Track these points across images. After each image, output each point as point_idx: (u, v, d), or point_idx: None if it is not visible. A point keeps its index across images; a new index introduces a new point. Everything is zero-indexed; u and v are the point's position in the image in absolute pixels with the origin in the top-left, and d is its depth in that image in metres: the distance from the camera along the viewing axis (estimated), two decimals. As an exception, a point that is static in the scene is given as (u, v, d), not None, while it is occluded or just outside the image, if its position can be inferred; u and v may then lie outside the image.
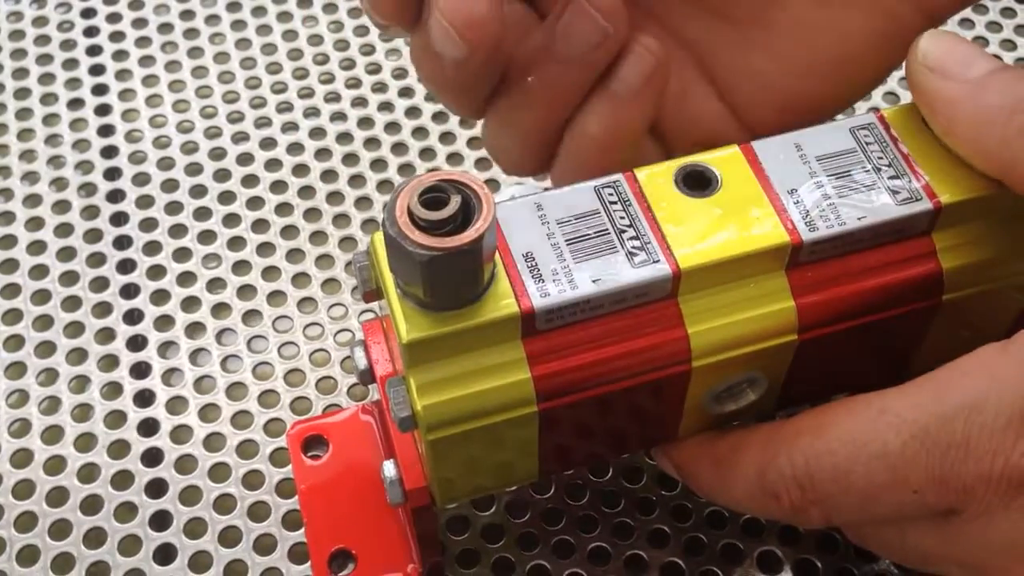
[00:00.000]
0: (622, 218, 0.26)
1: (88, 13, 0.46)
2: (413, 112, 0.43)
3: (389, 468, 0.28)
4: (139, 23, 0.45)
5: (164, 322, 0.37)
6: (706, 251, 0.25)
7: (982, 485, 0.23)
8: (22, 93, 0.43)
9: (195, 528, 0.33)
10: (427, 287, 0.23)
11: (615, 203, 0.26)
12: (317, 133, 0.42)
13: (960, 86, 0.25)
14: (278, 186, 0.41)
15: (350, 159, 0.41)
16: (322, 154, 0.42)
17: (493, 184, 0.40)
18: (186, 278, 0.38)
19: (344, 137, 0.42)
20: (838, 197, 0.26)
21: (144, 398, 0.36)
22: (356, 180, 0.41)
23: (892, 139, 0.27)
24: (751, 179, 0.26)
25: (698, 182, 0.26)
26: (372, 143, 0.42)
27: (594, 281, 0.25)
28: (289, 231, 0.40)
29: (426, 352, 0.24)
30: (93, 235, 0.39)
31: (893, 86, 0.43)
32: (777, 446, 0.25)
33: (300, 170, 0.41)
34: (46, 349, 0.37)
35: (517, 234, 0.25)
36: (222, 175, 0.41)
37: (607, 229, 0.25)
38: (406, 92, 0.43)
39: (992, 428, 0.22)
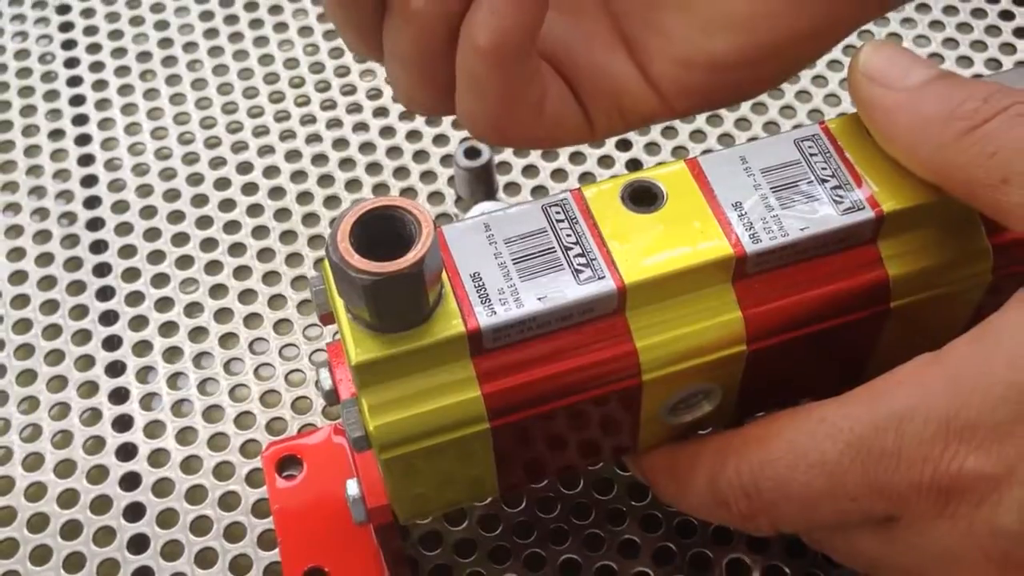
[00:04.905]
0: (568, 236, 0.26)
1: (68, 45, 0.46)
2: (387, 132, 0.43)
3: (352, 487, 0.28)
4: (118, 52, 0.46)
5: (142, 347, 0.38)
6: (651, 266, 0.26)
7: (914, 493, 0.23)
8: (4, 126, 0.44)
9: (172, 550, 0.34)
10: (372, 310, 0.24)
11: (562, 221, 0.26)
12: (293, 155, 0.43)
13: (898, 94, 0.25)
14: (254, 209, 0.41)
15: (325, 180, 0.42)
16: (298, 176, 0.42)
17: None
18: (164, 303, 0.39)
19: (319, 158, 0.43)
20: (781, 208, 0.26)
21: (123, 423, 0.36)
22: (331, 201, 0.42)
23: (837, 149, 0.27)
24: (696, 193, 0.27)
25: (644, 198, 0.27)
26: (347, 163, 0.43)
27: (540, 299, 0.25)
28: (265, 254, 0.40)
29: (376, 373, 0.25)
30: (73, 264, 0.40)
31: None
32: (726, 456, 0.26)
33: (276, 192, 0.42)
34: (27, 378, 0.37)
35: (465, 255, 0.26)
36: (199, 200, 0.42)
37: (553, 247, 0.26)
38: (380, 112, 0.44)
39: (921, 437, 0.23)
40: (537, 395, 0.26)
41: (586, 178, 0.42)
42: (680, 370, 0.26)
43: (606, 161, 0.42)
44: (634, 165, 0.42)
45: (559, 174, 0.42)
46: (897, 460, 0.23)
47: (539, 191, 0.42)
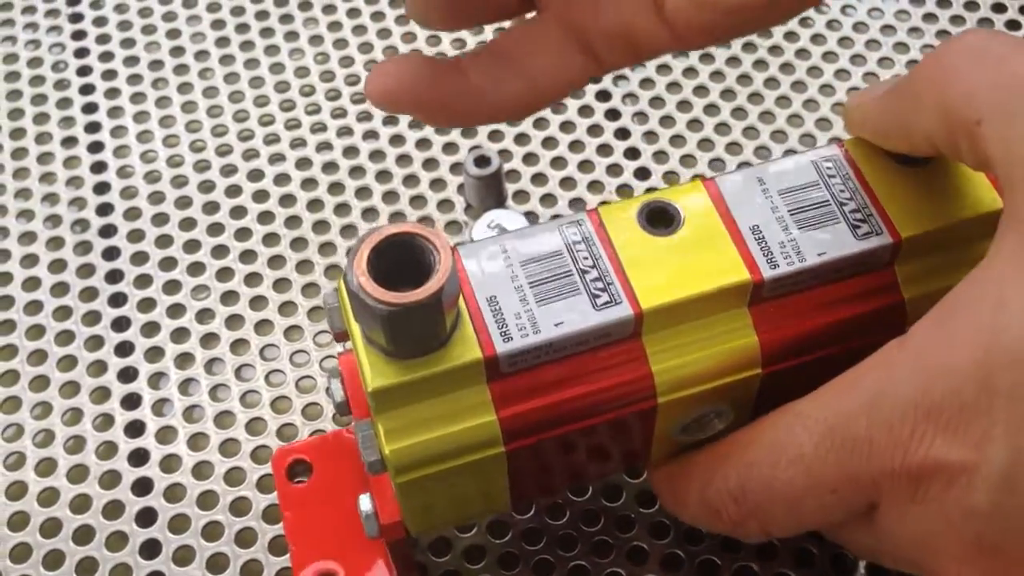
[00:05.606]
0: (585, 259, 0.26)
1: (81, 53, 0.47)
2: (397, 140, 0.43)
3: (365, 503, 0.29)
4: (130, 61, 0.46)
5: (154, 354, 0.38)
6: (668, 291, 0.26)
7: (887, 480, 0.23)
8: (17, 133, 0.44)
9: (184, 555, 0.34)
10: (389, 338, 0.24)
11: (579, 243, 0.27)
12: (303, 163, 0.43)
13: (874, 99, 0.27)
14: (265, 217, 0.42)
15: (336, 188, 0.42)
16: (308, 184, 0.42)
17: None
18: (176, 310, 0.39)
19: (330, 167, 0.43)
20: (799, 232, 0.26)
21: (135, 428, 0.37)
22: (341, 209, 0.42)
23: (855, 172, 0.27)
24: (713, 215, 0.27)
25: (661, 219, 0.27)
26: (357, 172, 0.43)
27: (556, 325, 0.25)
28: (276, 261, 0.40)
29: (393, 398, 0.25)
30: (86, 270, 0.40)
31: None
32: (716, 463, 0.26)
33: (287, 200, 0.42)
34: (40, 383, 0.38)
35: (481, 278, 0.26)
36: (210, 207, 0.42)
37: (570, 271, 0.26)
38: (390, 120, 0.44)
39: (890, 422, 0.22)
40: (552, 418, 0.26)
41: (595, 187, 0.42)
42: (695, 393, 0.27)
43: (615, 170, 0.42)
44: (643, 173, 0.42)
45: (568, 182, 0.42)
46: (869, 447, 0.23)
47: (548, 199, 0.42)
